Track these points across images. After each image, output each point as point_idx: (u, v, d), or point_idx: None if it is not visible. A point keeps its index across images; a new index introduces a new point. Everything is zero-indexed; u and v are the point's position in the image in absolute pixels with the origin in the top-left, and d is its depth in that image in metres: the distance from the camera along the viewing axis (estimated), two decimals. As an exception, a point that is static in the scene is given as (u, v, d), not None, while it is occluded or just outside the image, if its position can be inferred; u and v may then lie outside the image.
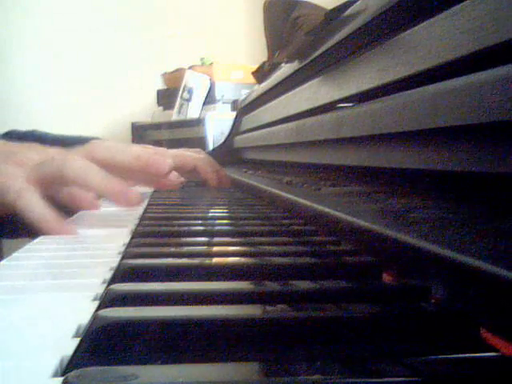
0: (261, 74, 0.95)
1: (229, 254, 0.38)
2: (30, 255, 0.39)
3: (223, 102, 2.25)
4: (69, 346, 0.20)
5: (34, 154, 0.54)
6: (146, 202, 0.71)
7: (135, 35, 2.65)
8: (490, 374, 0.18)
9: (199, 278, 0.30)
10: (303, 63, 0.68)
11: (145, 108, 2.65)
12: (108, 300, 0.25)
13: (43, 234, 0.47)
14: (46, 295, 0.28)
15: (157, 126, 2.41)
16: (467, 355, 0.19)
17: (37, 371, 0.18)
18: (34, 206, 0.47)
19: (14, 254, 0.38)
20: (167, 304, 0.24)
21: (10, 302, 0.26)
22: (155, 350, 0.20)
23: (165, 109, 2.51)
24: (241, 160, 1.22)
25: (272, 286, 0.27)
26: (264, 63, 0.90)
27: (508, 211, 0.27)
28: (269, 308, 0.23)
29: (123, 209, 0.58)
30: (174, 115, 2.39)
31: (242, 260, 0.34)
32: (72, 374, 0.17)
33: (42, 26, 2.59)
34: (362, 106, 0.47)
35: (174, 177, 0.68)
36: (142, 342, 0.20)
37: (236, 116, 1.34)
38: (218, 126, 2.06)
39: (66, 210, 0.56)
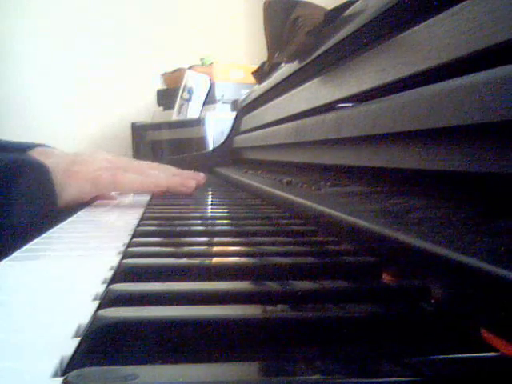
0: (261, 73, 0.95)
1: (229, 254, 0.38)
2: (30, 255, 0.39)
3: (223, 102, 2.25)
4: (69, 346, 0.20)
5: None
6: (146, 202, 0.71)
7: (135, 35, 2.65)
8: (490, 373, 0.18)
9: (199, 278, 0.30)
10: (303, 63, 0.68)
11: (145, 108, 2.66)
12: (108, 300, 0.25)
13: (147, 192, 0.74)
14: (46, 295, 0.27)
15: (157, 126, 2.41)
16: (467, 355, 0.19)
17: (37, 371, 0.18)
18: (133, 177, 0.69)
19: (14, 254, 0.38)
20: (167, 304, 0.24)
21: (10, 303, 0.26)
22: (155, 350, 0.20)
23: (165, 109, 2.51)
24: (241, 160, 1.22)
25: (272, 285, 0.27)
26: (264, 63, 0.90)
27: (508, 211, 0.27)
28: (269, 308, 0.23)
29: (123, 209, 0.58)
30: (174, 115, 2.39)
31: (242, 260, 0.34)
32: (72, 374, 0.17)
33: (41, 25, 2.59)
34: (361, 106, 0.47)
35: None
36: (142, 342, 0.20)
37: (236, 116, 1.34)
38: (218, 125, 2.06)
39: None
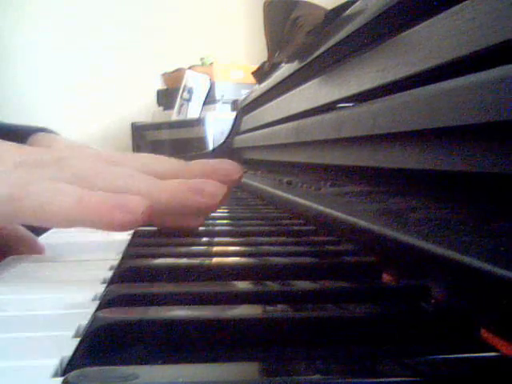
0: (261, 73, 0.95)
1: (229, 254, 0.38)
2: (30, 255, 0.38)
3: (223, 102, 2.26)
4: (69, 345, 0.20)
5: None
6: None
7: (135, 35, 2.65)
8: (490, 373, 0.18)
9: (199, 278, 0.30)
10: (303, 63, 0.68)
11: (145, 108, 2.66)
12: (108, 300, 0.25)
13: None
14: (46, 295, 0.27)
15: (157, 126, 2.41)
16: (467, 355, 0.19)
17: (37, 371, 0.18)
18: (67, 191, 0.33)
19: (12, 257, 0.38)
20: (167, 304, 0.24)
21: (9, 303, 0.26)
22: (155, 350, 0.20)
23: (165, 109, 2.52)
24: (241, 160, 1.22)
25: (272, 285, 0.27)
26: (264, 63, 0.90)
27: (508, 211, 0.27)
28: (269, 308, 0.23)
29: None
30: (173, 115, 2.39)
31: (242, 260, 0.34)
32: (72, 374, 0.17)
33: (41, 25, 2.59)
34: (362, 106, 0.47)
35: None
36: (142, 342, 0.20)
37: (236, 116, 1.34)
38: (218, 125, 2.06)
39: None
